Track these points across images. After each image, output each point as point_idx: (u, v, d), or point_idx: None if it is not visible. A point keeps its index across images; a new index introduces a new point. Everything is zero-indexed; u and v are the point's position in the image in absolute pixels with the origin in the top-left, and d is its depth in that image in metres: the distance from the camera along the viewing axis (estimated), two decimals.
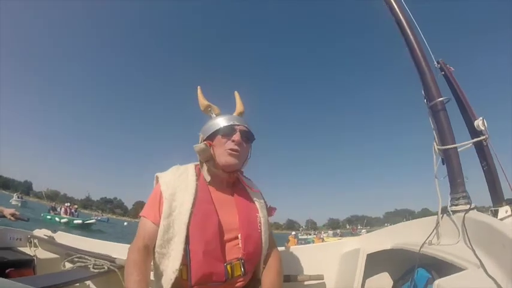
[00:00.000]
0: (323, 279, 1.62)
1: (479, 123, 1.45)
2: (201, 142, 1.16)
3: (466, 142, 1.44)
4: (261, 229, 1.13)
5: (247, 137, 1.16)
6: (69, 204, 27.13)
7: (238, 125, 1.15)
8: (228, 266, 1.01)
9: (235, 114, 1.26)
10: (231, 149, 1.09)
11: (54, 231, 2.45)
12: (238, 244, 1.06)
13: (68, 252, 1.99)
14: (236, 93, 1.32)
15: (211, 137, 1.14)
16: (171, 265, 0.98)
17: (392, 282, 1.58)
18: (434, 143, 1.47)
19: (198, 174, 1.14)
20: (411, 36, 1.58)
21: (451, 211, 1.37)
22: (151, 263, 1.04)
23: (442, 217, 1.39)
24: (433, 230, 1.37)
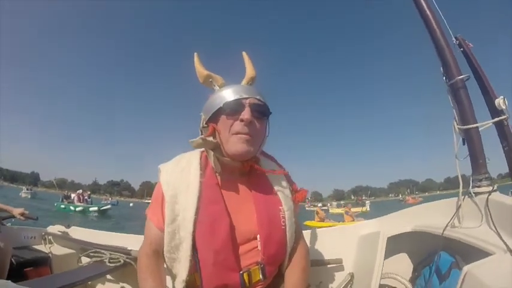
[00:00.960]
0: (342, 262, 1.59)
1: (500, 102, 1.39)
2: (202, 125, 0.94)
3: (487, 122, 1.38)
4: (285, 225, 0.92)
5: (261, 111, 0.89)
6: (81, 191, 26.25)
7: (247, 97, 0.87)
8: (245, 274, 0.85)
9: (244, 82, 0.98)
10: (238, 133, 0.85)
11: (68, 226, 2.47)
12: (257, 247, 0.88)
13: (83, 247, 2.00)
14: (244, 55, 1.04)
15: (214, 117, 0.89)
16: (182, 271, 0.86)
17: (412, 265, 1.56)
18: (455, 122, 1.41)
19: (204, 166, 0.93)
20: (428, 11, 1.49)
21: (473, 193, 1.32)
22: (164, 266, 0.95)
23: (463, 199, 1.34)
24: (455, 213, 1.33)
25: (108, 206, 24.39)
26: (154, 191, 0.94)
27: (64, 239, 2.25)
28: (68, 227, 2.40)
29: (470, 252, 1.22)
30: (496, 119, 1.38)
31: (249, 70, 1.01)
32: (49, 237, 2.27)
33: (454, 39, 1.49)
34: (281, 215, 0.92)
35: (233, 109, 0.86)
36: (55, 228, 2.39)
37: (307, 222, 14.70)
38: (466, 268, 0.94)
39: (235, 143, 0.85)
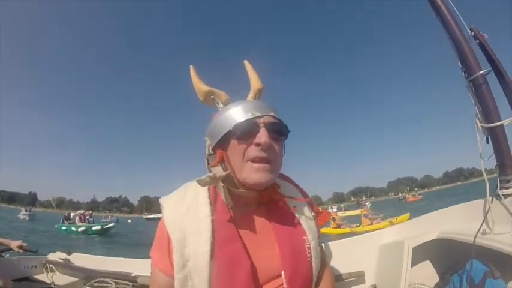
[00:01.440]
0: (363, 275, 1.50)
1: None
2: (208, 152, 0.80)
3: (511, 118, 1.30)
4: (310, 256, 0.81)
5: (278, 131, 0.76)
6: (82, 211, 25.78)
7: (261, 115, 0.75)
8: None
9: (250, 96, 0.86)
10: (256, 159, 0.72)
11: (69, 253, 2.39)
12: (282, 284, 0.76)
13: (87, 276, 1.91)
14: (247, 64, 0.90)
15: (223, 142, 0.76)
16: None
17: (437, 274, 1.47)
18: (477, 120, 1.33)
19: (214, 199, 0.79)
20: (441, 2, 1.40)
21: (502, 195, 1.24)
22: None
23: (491, 201, 1.27)
24: (484, 217, 1.25)
25: (112, 224, 23.88)
26: (158, 229, 0.80)
27: (66, 267, 2.15)
28: (69, 253, 2.32)
29: (505, 261, 1.14)
30: None
31: (255, 82, 0.87)
32: (50, 265, 2.17)
33: (469, 30, 1.40)
34: (306, 246, 0.81)
35: (246, 131, 0.73)
36: (56, 256, 2.29)
37: (323, 230, 13.48)
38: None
39: (252, 172, 0.72)
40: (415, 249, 1.39)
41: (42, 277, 2.11)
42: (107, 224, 23.45)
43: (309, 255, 0.80)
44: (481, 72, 1.29)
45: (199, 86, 0.84)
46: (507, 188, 1.24)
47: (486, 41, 1.42)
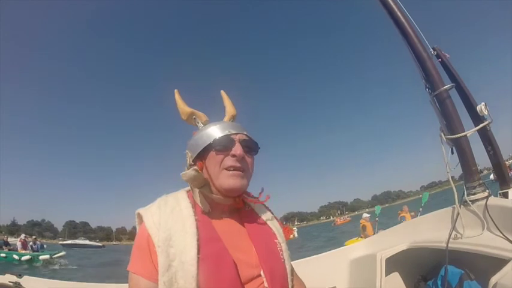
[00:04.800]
0: None
1: (482, 108, 1.43)
2: (189, 163, 0.90)
3: (474, 129, 1.41)
4: (283, 257, 0.88)
5: (250, 147, 0.89)
6: (23, 235, 21.73)
7: (236, 133, 0.88)
8: None
9: (225, 120, 0.99)
10: (231, 168, 0.83)
11: (20, 276, 2.09)
12: (263, 283, 0.80)
13: None
14: (223, 93, 1.05)
15: (202, 155, 0.87)
16: None
17: (412, 284, 1.51)
18: (442, 133, 1.43)
19: (194, 205, 0.85)
20: (406, 24, 1.53)
21: (470, 201, 1.33)
22: None
23: (459, 208, 1.35)
24: (454, 223, 1.32)
25: (63, 253, 20.43)
26: (136, 239, 0.80)
27: None
28: (20, 276, 2.08)
29: (477, 262, 1.20)
30: (482, 125, 1.42)
31: (230, 108, 1.01)
32: None
33: (431, 50, 1.54)
34: (278, 248, 0.89)
35: (223, 145, 0.85)
36: (5, 278, 2.05)
37: (349, 242, 9.05)
38: (494, 279, 0.91)
39: (227, 178, 0.82)
40: (387, 261, 1.43)
41: None
42: (56, 253, 19.99)
43: (282, 257, 0.87)
44: (445, 87, 1.41)
45: (183, 107, 0.95)
46: (474, 194, 1.33)
47: (448, 59, 1.56)
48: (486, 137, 1.48)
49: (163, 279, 0.72)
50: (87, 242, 59.24)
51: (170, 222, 0.77)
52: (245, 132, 0.91)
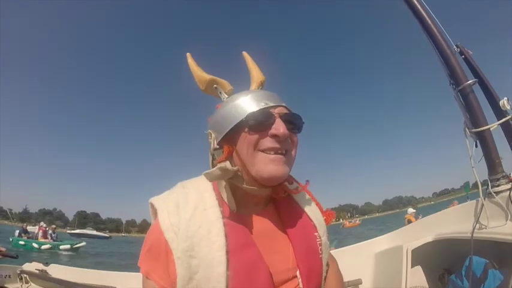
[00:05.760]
0: (361, 283, 1.55)
1: (504, 102, 1.47)
2: (213, 147, 0.70)
3: (496, 123, 1.45)
4: (322, 252, 0.74)
5: (294, 123, 0.69)
6: (44, 224, 21.67)
7: (275, 105, 0.68)
8: None
9: (252, 88, 0.78)
10: (271, 150, 0.64)
11: (46, 264, 2.21)
12: (298, 285, 0.70)
13: None
14: (246, 55, 0.83)
15: (230, 135, 0.67)
16: None
17: (437, 275, 1.54)
18: (466, 128, 1.47)
19: (220, 199, 0.68)
20: (430, 24, 1.58)
21: (494, 192, 1.36)
22: None
23: (484, 200, 1.38)
24: (478, 214, 1.36)
25: (83, 243, 20.74)
26: (149, 236, 0.65)
27: (42, 279, 2.05)
28: (47, 264, 2.18)
29: (501, 252, 1.24)
30: (505, 119, 1.45)
31: (256, 73, 0.80)
32: (25, 276, 2.06)
33: (455, 47, 1.58)
34: (318, 243, 0.75)
35: (260, 121, 0.64)
36: (32, 266, 2.17)
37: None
38: None
39: (266, 164, 0.64)
40: (412, 253, 1.46)
41: (15, 287, 2.00)
42: (77, 243, 20.28)
43: (320, 252, 0.75)
44: (468, 82, 1.45)
45: (201, 74, 0.75)
46: (498, 186, 1.37)
47: (471, 56, 1.60)
48: (509, 131, 1.50)
49: None
50: (94, 232, 59.44)
51: (192, 228, 0.61)
52: (284, 104, 0.70)
